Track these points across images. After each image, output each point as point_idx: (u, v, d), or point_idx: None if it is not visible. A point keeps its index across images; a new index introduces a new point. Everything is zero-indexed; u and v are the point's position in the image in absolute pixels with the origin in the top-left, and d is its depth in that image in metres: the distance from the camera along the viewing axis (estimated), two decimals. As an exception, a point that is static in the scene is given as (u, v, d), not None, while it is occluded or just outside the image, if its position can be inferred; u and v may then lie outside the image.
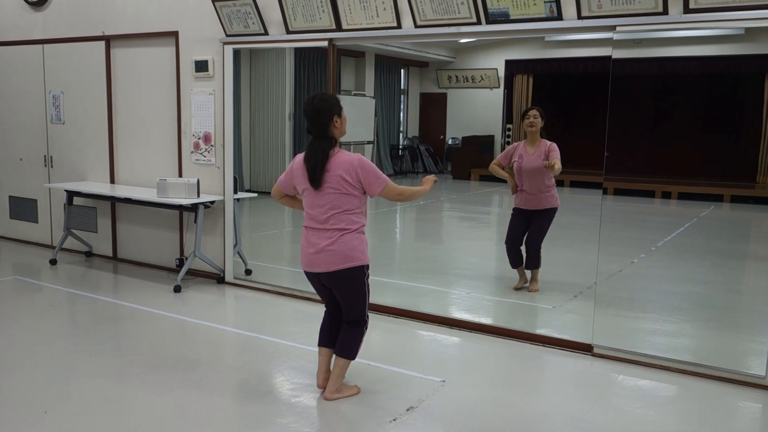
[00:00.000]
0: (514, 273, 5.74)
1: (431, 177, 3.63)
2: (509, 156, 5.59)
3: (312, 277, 3.48)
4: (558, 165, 5.21)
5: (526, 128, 5.51)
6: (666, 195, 12.50)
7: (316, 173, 3.31)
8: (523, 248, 5.64)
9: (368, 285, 3.48)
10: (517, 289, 5.68)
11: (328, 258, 3.34)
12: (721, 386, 3.84)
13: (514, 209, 5.63)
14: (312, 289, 5.40)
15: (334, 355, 3.57)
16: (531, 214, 5.52)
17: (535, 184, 5.44)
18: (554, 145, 5.41)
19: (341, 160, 3.31)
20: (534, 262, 5.57)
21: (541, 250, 5.55)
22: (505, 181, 5.74)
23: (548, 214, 5.51)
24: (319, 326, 3.67)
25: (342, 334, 3.54)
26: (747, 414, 3.64)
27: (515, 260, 5.67)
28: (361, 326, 3.53)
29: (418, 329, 4.78)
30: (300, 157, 3.44)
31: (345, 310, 3.52)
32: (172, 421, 3.30)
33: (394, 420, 3.33)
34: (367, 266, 3.43)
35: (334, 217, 3.33)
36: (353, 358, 3.56)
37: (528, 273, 5.69)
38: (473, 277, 6.45)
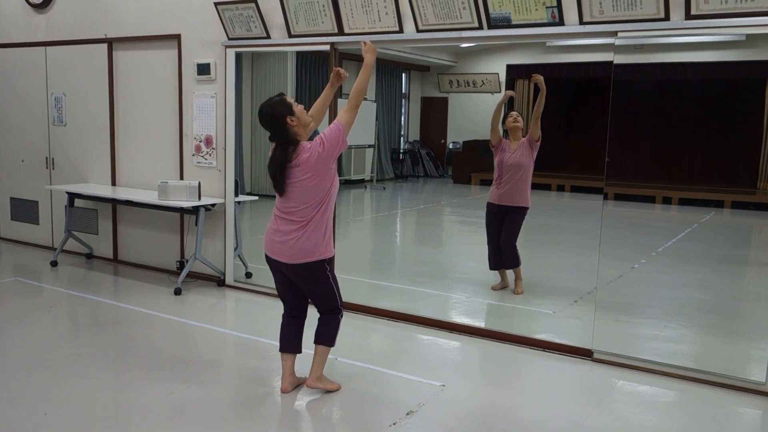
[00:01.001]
0: (514, 277, 5.74)
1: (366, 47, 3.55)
2: (500, 141, 5.72)
3: (272, 263, 3.52)
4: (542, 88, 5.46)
5: (509, 126, 5.69)
6: (666, 200, 12.49)
7: (277, 181, 3.37)
8: None
9: (332, 276, 3.53)
10: (495, 289, 5.78)
11: (291, 250, 3.40)
12: (721, 392, 3.83)
13: (488, 205, 5.76)
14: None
15: (314, 344, 3.60)
16: (504, 211, 5.64)
17: (512, 180, 5.57)
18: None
19: (303, 158, 3.33)
20: (512, 261, 5.65)
21: (517, 249, 5.64)
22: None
23: (519, 213, 5.63)
24: (280, 331, 3.71)
25: (319, 323, 3.61)
26: (747, 420, 3.64)
27: (496, 262, 5.78)
28: (335, 314, 3.60)
29: (418, 333, 4.78)
30: None
31: (314, 303, 3.61)
32: (171, 423, 3.30)
33: (394, 424, 3.33)
34: (327, 260, 3.47)
35: (301, 211, 3.38)
36: (332, 345, 3.62)
37: (510, 274, 5.78)
38: (473, 282, 6.45)
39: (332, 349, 3.66)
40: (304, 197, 3.37)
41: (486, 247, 5.87)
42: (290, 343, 3.66)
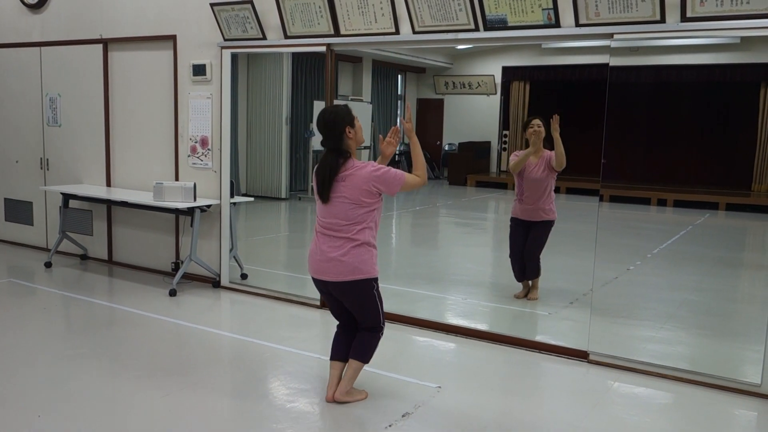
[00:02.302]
0: (511, 279, 5.73)
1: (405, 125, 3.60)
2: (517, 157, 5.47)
3: (320, 284, 3.47)
4: (560, 149, 5.20)
5: (529, 136, 5.41)
6: (662, 202, 12.53)
7: (324, 187, 3.33)
8: None
9: (378, 295, 3.47)
10: (518, 297, 5.64)
11: (337, 268, 3.34)
12: (717, 394, 3.84)
13: (512, 219, 5.59)
14: (308, 294, 5.44)
15: (350, 358, 3.53)
16: (529, 225, 5.48)
17: (535, 195, 5.40)
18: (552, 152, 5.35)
19: (359, 172, 3.31)
20: (533, 272, 5.53)
21: (540, 260, 5.51)
22: (502, 186, 5.75)
23: (545, 227, 5.46)
24: (332, 339, 3.64)
25: (357, 338, 3.53)
26: (742, 422, 3.65)
27: (521, 274, 5.60)
28: (376, 332, 3.53)
29: (414, 335, 4.77)
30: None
31: (358, 319, 3.52)
32: (166, 425, 3.28)
33: (390, 426, 3.32)
34: (375, 279, 3.43)
35: (346, 228, 3.33)
36: (367, 362, 3.54)
37: (528, 282, 5.65)
38: (469, 283, 6.45)
39: (328, 350, 3.65)
40: (347, 214, 3.32)
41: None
42: (341, 352, 3.57)
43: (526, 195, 5.44)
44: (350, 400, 3.55)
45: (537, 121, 5.41)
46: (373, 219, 3.40)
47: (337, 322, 3.66)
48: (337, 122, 3.35)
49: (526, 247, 5.51)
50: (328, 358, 4.10)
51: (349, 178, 3.31)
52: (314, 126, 11.93)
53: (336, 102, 5.39)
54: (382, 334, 3.56)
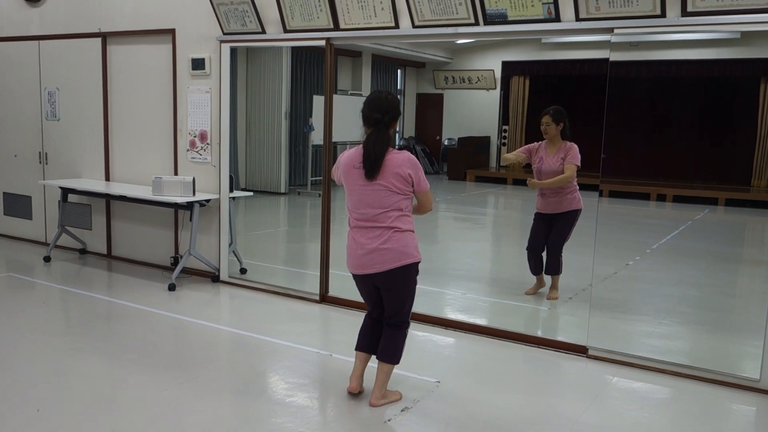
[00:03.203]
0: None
1: None
2: (530, 152, 5.40)
3: (362, 279, 3.39)
4: (545, 181, 5.17)
5: (543, 134, 5.32)
6: (661, 198, 12.53)
7: (376, 164, 3.24)
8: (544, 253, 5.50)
9: (416, 284, 3.42)
10: (528, 294, 5.56)
11: (382, 257, 3.26)
12: (716, 389, 3.84)
13: (536, 214, 5.47)
14: (307, 289, 5.43)
15: (379, 361, 3.47)
16: (552, 218, 5.36)
17: (554, 187, 5.26)
18: (573, 147, 5.19)
19: (396, 157, 3.27)
20: (554, 268, 5.40)
21: (562, 256, 5.40)
22: (501, 182, 5.72)
23: (570, 217, 5.30)
24: (359, 330, 3.59)
25: (384, 338, 3.46)
26: (741, 417, 3.65)
27: (536, 267, 5.52)
28: (403, 328, 3.47)
29: (414, 330, 4.74)
30: (348, 154, 3.39)
31: (391, 312, 3.43)
32: (165, 419, 3.28)
33: (389, 420, 3.32)
34: (419, 263, 3.38)
35: (384, 215, 3.27)
36: (397, 363, 3.48)
37: (548, 279, 5.55)
38: (469, 278, 6.45)
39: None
40: (382, 201, 3.25)
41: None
42: (368, 342, 3.52)
43: (547, 188, 5.31)
44: (387, 402, 3.49)
45: (545, 119, 5.27)
46: (408, 206, 3.34)
47: (367, 312, 3.58)
48: (396, 108, 3.35)
49: (549, 240, 5.38)
50: (327, 352, 4.11)
51: (387, 163, 3.25)
52: (313, 121, 11.95)
53: (335, 96, 5.38)
54: (408, 330, 3.50)
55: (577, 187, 5.32)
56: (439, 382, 3.81)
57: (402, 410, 3.43)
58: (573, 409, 3.53)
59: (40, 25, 6.85)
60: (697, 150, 13.97)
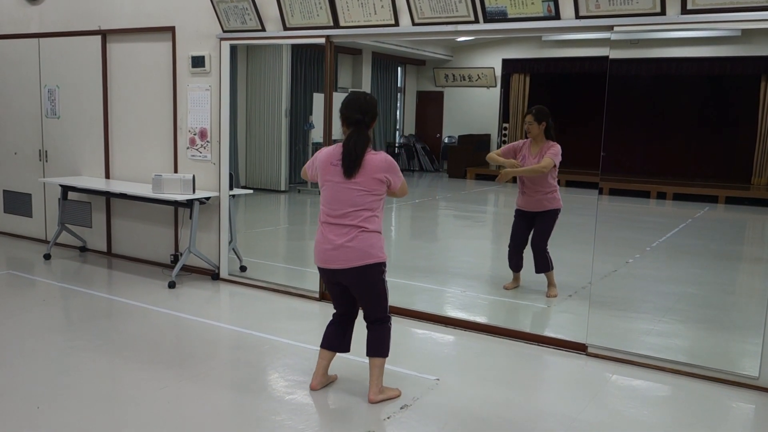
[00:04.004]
0: (510, 272, 5.73)
1: None
2: (512, 151, 5.48)
3: (327, 274, 3.44)
4: (523, 167, 5.23)
5: (526, 133, 5.42)
6: (661, 195, 12.53)
7: (355, 164, 3.28)
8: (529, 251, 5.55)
9: (386, 282, 3.46)
10: (507, 288, 5.66)
11: (346, 254, 3.31)
12: (715, 387, 3.85)
13: (516, 211, 5.56)
14: (307, 286, 5.44)
15: (369, 358, 3.50)
16: (533, 216, 5.44)
17: (535, 185, 5.35)
18: (555, 146, 5.26)
19: (373, 158, 3.32)
20: (543, 265, 5.46)
21: (548, 252, 5.46)
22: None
23: (550, 216, 5.41)
24: (325, 327, 3.62)
25: (370, 335, 3.50)
26: (740, 414, 3.65)
27: (517, 265, 5.60)
28: (385, 323, 3.50)
29: (413, 327, 4.78)
30: (327, 151, 3.43)
31: (366, 309, 3.49)
32: (165, 416, 3.29)
33: (388, 418, 3.33)
34: (385, 264, 3.42)
35: (353, 214, 3.31)
36: (387, 355, 3.51)
37: (519, 274, 5.64)
38: (468, 276, 6.45)
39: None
40: (355, 200, 3.30)
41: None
42: (332, 341, 3.56)
43: (528, 186, 5.40)
44: (385, 398, 3.51)
45: (528, 118, 5.36)
46: (380, 207, 3.39)
47: (334, 311, 3.63)
48: (374, 109, 3.40)
49: (533, 239, 5.46)
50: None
51: (364, 164, 3.29)
52: (313, 119, 11.94)
53: (335, 94, 5.38)
54: (391, 323, 3.54)
55: (557, 188, 5.42)
56: (438, 379, 3.82)
57: (401, 408, 3.43)
58: (572, 406, 3.54)
59: (40, 23, 6.85)
60: (698, 148, 13.97)
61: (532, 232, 5.48)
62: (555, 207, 5.39)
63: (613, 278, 6.25)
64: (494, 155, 5.59)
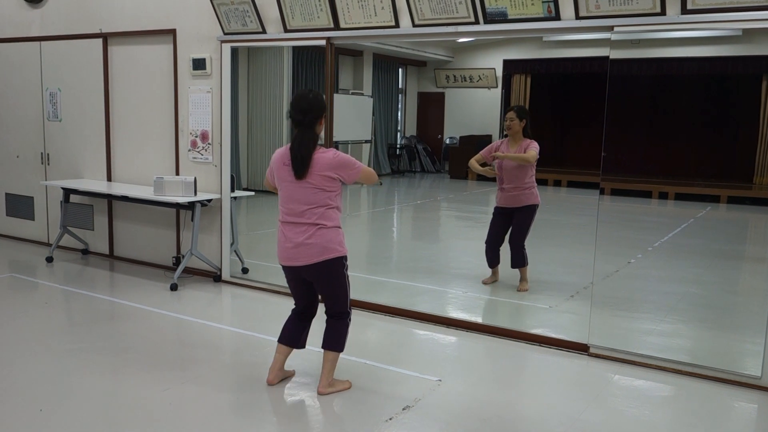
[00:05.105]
0: (512, 273, 5.75)
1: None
2: (491, 151, 5.67)
3: (291, 271, 3.52)
4: (514, 156, 5.38)
5: (506, 129, 5.61)
6: (663, 195, 12.52)
7: (303, 164, 3.35)
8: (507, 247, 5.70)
9: (347, 277, 3.53)
10: (485, 283, 5.80)
11: (306, 251, 3.39)
12: (717, 386, 3.84)
13: (495, 208, 5.74)
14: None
15: (323, 350, 3.59)
16: (512, 212, 5.61)
17: (515, 181, 5.52)
18: (534, 143, 5.47)
19: (322, 157, 3.38)
20: (520, 260, 5.62)
21: (526, 248, 5.61)
22: (493, 179, 5.82)
23: (529, 211, 5.57)
24: (284, 323, 3.70)
25: (327, 328, 3.59)
26: (743, 414, 3.65)
27: (493, 260, 5.78)
28: (344, 318, 3.59)
29: (415, 328, 4.78)
30: (280, 151, 3.51)
31: (327, 303, 3.58)
32: (167, 419, 3.29)
33: (390, 419, 3.33)
34: (346, 258, 3.49)
35: (309, 212, 3.39)
36: (341, 350, 3.60)
37: (504, 269, 5.78)
38: (470, 277, 6.45)
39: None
40: (309, 198, 3.38)
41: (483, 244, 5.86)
42: (291, 336, 3.65)
43: (506, 182, 5.57)
44: (334, 391, 3.60)
45: (510, 114, 5.57)
46: (336, 201, 3.46)
47: (293, 307, 3.70)
48: (320, 106, 3.43)
49: (511, 234, 5.63)
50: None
51: (314, 163, 3.36)
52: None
53: (336, 96, 5.39)
54: (349, 319, 3.62)
55: (535, 184, 5.58)
56: (440, 380, 3.82)
57: (403, 409, 3.44)
58: (574, 407, 3.54)
59: (41, 26, 6.86)
60: (699, 147, 13.96)
61: (510, 229, 5.64)
62: (533, 202, 5.57)
63: (615, 278, 6.24)
64: (474, 163, 5.76)
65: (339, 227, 3.46)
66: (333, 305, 3.57)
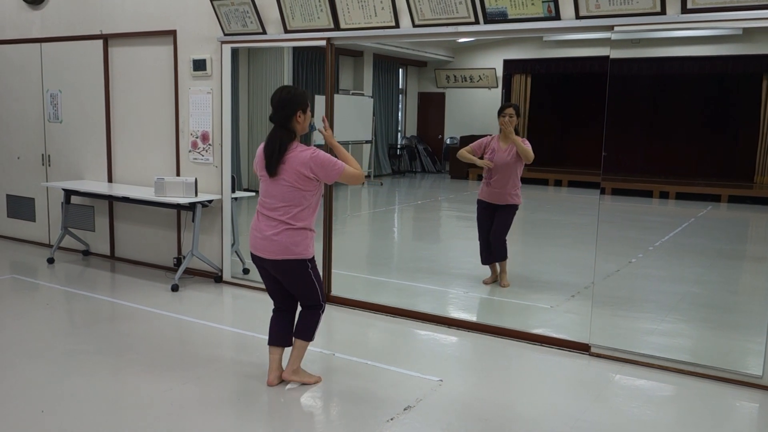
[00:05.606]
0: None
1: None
2: (482, 147, 5.75)
3: (257, 260, 3.55)
4: (523, 147, 5.45)
5: (501, 125, 5.65)
6: (664, 195, 12.51)
7: (272, 161, 3.38)
8: None
9: (315, 274, 3.55)
10: (486, 283, 5.81)
11: (271, 246, 3.43)
12: (719, 386, 3.84)
13: (479, 202, 5.77)
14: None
15: (293, 338, 3.64)
16: (495, 208, 5.66)
17: (503, 179, 5.57)
18: (527, 140, 5.56)
19: (299, 156, 3.38)
20: (501, 254, 5.69)
21: (506, 242, 5.68)
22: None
23: (511, 210, 5.66)
24: (269, 325, 3.71)
25: (299, 317, 3.65)
26: (744, 413, 3.65)
27: (488, 257, 5.80)
28: (317, 309, 3.63)
29: (416, 328, 4.78)
30: (261, 146, 3.53)
31: (298, 297, 3.63)
32: (169, 419, 3.29)
33: (392, 419, 3.33)
34: (309, 260, 3.50)
35: (282, 209, 3.41)
36: (311, 340, 3.65)
37: (496, 267, 5.83)
38: (471, 277, 6.44)
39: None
40: (285, 195, 3.40)
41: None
42: (278, 336, 3.68)
43: (495, 179, 5.61)
44: (299, 381, 3.65)
45: (510, 110, 5.65)
46: (311, 203, 3.46)
47: (273, 307, 3.72)
48: (293, 102, 3.44)
49: (493, 230, 5.67)
50: (331, 352, 4.12)
51: (289, 160, 3.37)
52: (315, 121, 11.95)
53: (336, 96, 5.39)
54: (323, 311, 3.66)
55: (520, 185, 5.66)
56: (441, 380, 3.82)
57: (405, 409, 3.43)
58: (576, 406, 3.54)
59: (42, 28, 6.87)
60: (700, 147, 13.95)
61: (492, 224, 5.68)
62: (516, 203, 5.67)
63: (616, 278, 6.24)
64: (465, 153, 5.85)
65: (308, 229, 3.47)
66: (303, 299, 3.62)
